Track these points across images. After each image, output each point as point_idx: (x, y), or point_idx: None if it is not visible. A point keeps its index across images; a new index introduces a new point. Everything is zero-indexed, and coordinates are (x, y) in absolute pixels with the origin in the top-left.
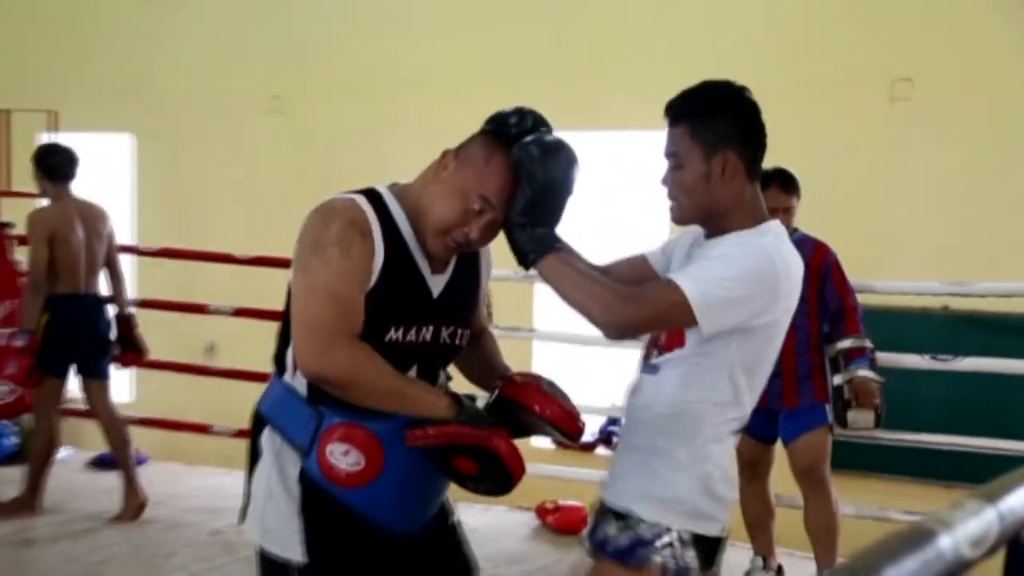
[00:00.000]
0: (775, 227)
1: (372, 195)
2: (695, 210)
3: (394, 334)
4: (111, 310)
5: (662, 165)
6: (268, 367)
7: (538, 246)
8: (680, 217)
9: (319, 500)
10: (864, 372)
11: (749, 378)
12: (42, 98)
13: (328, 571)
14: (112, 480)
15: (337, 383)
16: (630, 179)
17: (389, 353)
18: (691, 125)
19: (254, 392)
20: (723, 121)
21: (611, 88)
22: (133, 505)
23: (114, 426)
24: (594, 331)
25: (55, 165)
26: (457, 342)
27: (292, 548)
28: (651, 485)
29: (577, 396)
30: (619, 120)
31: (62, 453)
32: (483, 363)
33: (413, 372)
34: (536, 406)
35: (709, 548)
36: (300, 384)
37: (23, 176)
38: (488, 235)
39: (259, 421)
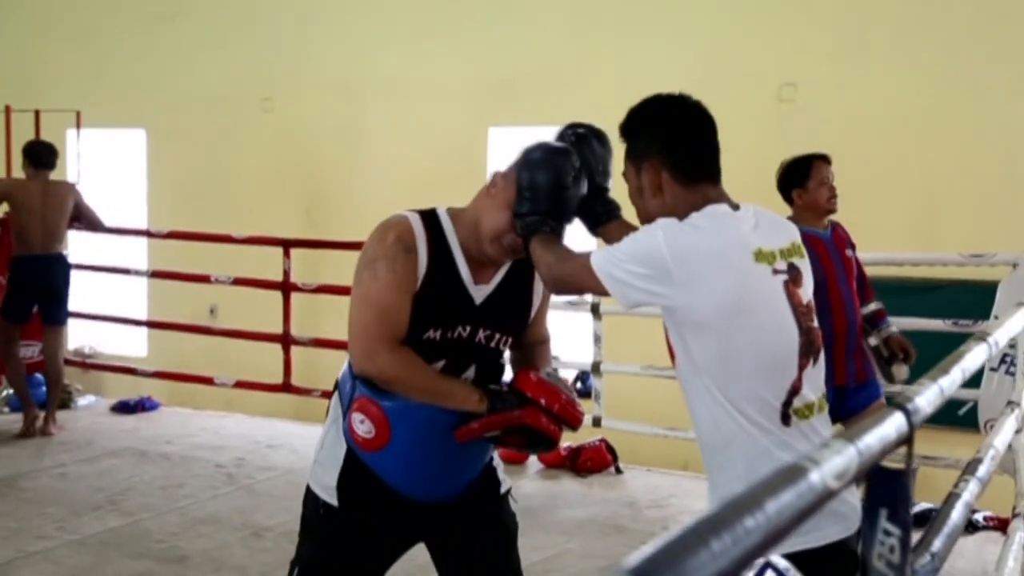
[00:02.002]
0: (698, 216)
1: (427, 214)
2: (642, 221)
3: (432, 333)
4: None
5: None
6: (261, 327)
7: (525, 231)
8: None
9: (354, 459)
10: (894, 329)
11: (734, 397)
12: (67, 99)
13: (348, 517)
14: (131, 422)
15: (380, 381)
16: None
17: (424, 347)
18: (624, 144)
19: (250, 348)
20: (644, 136)
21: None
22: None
23: (54, 367)
24: None
25: (37, 154)
26: (493, 345)
27: (327, 491)
28: None
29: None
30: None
31: (88, 399)
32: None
33: (439, 364)
34: (541, 399)
35: (809, 560)
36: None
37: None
38: None
39: (335, 387)
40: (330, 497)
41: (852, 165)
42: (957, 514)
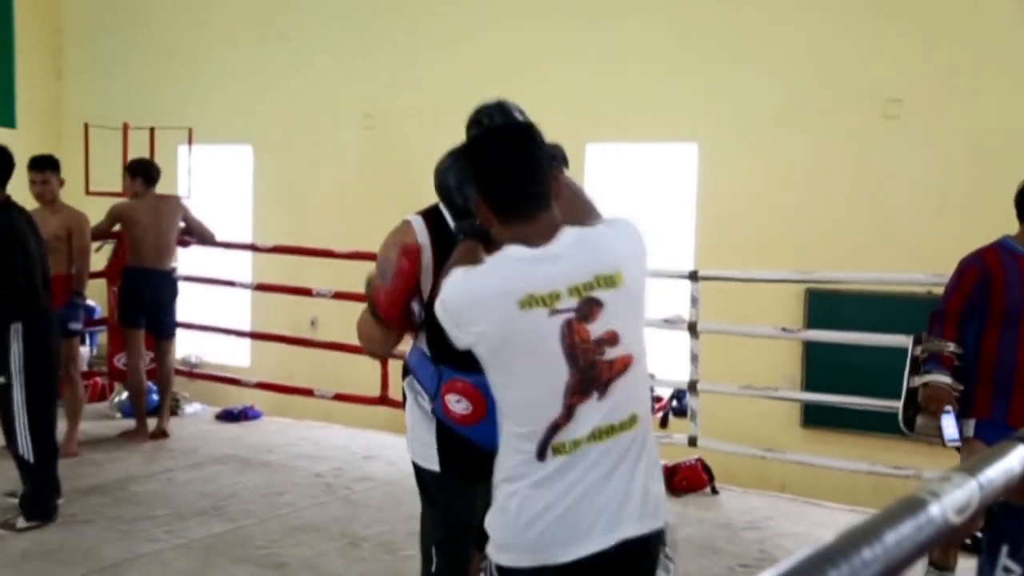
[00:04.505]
0: (489, 259)
1: (428, 212)
2: None
3: None
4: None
5: (675, 176)
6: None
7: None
8: None
9: (446, 429)
10: (937, 376)
11: (506, 430)
12: (180, 117)
13: (453, 478)
14: (234, 430)
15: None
16: (654, 189)
17: None
18: None
19: (348, 361)
20: (473, 171)
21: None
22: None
23: (164, 376)
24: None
25: (148, 171)
26: None
27: (430, 461)
28: None
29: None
30: (637, 133)
31: (195, 407)
32: None
33: None
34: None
35: None
36: (426, 349)
37: (167, 180)
38: None
39: (405, 371)
40: (433, 465)
41: (961, 184)
42: None
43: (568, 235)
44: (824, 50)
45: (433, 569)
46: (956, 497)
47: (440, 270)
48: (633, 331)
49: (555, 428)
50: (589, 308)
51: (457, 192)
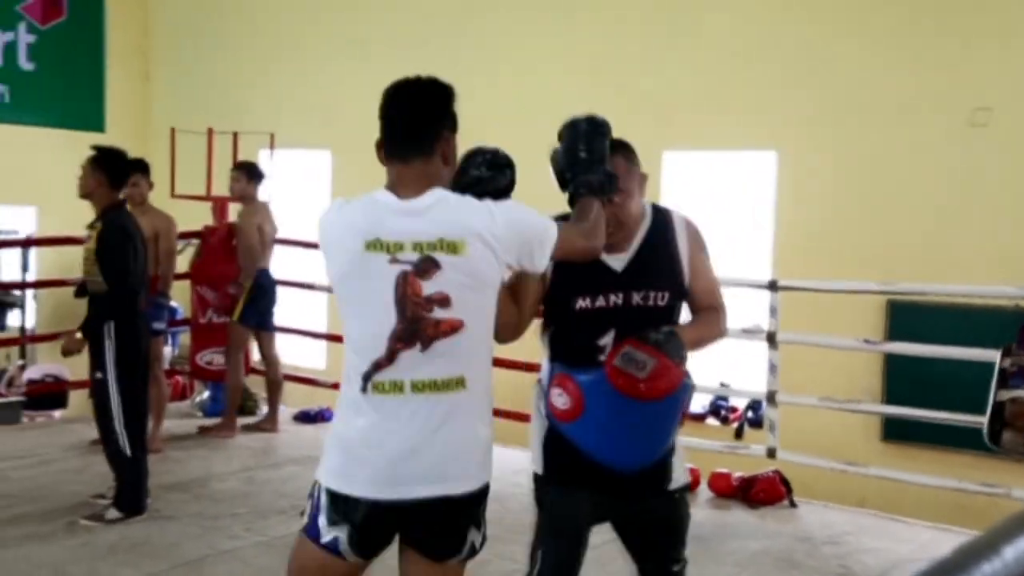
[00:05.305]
0: (361, 198)
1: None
2: None
3: (582, 303)
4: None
5: (753, 184)
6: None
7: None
8: None
9: (553, 433)
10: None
11: (347, 351)
12: (262, 122)
13: (551, 480)
14: (310, 431)
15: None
16: (730, 196)
17: (581, 318)
18: None
19: None
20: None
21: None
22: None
23: (275, 370)
24: None
25: (261, 176)
26: (651, 303)
27: (537, 463)
28: None
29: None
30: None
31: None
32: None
33: (610, 336)
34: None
35: (344, 503)
36: (547, 346)
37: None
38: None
39: (538, 382)
40: (537, 467)
41: None
42: None
43: (433, 194)
44: (909, 57)
45: (534, 573)
46: None
47: (565, 270)
48: (470, 301)
49: (377, 366)
50: (426, 266)
51: (560, 176)
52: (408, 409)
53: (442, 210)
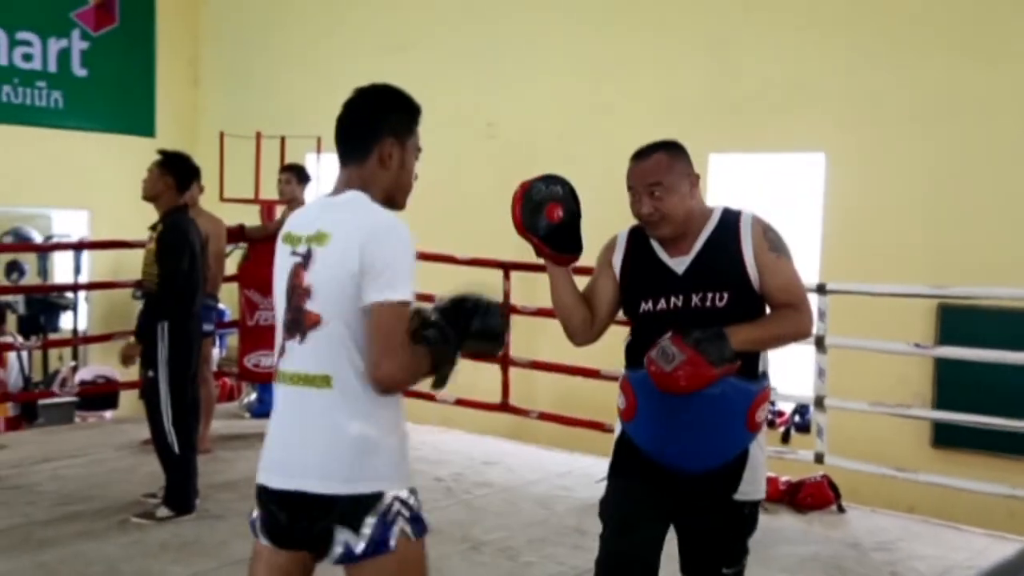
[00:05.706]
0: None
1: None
2: None
3: (645, 306)
4: None
5: (801, 186)
6: None
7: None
8: None
9: (623, 436)
10: None
11: None
12: (309, 126)
13: (611, 472)
14: None
15: None
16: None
17: (645, 321)
18: None
19: (468, 367)
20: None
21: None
22: None
23: None
24: None
25: (309, 178)
26: (709, 304)
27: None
28: None
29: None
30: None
31: None
32: None
33: (668, 335)
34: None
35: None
36: (624, 351)
37: None
38: (645, 209)
39: None
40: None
41: None
42: None
43: (349, 194)
44: (958, 54)
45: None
46: None
47: (633, 274)
48: (332, 294)
49: (279, 355)
50: (308, 258)
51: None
52: (288, 399)
53: (326, 205)
